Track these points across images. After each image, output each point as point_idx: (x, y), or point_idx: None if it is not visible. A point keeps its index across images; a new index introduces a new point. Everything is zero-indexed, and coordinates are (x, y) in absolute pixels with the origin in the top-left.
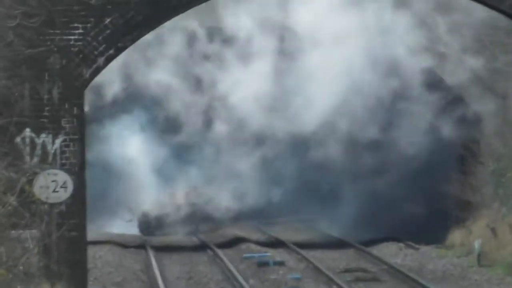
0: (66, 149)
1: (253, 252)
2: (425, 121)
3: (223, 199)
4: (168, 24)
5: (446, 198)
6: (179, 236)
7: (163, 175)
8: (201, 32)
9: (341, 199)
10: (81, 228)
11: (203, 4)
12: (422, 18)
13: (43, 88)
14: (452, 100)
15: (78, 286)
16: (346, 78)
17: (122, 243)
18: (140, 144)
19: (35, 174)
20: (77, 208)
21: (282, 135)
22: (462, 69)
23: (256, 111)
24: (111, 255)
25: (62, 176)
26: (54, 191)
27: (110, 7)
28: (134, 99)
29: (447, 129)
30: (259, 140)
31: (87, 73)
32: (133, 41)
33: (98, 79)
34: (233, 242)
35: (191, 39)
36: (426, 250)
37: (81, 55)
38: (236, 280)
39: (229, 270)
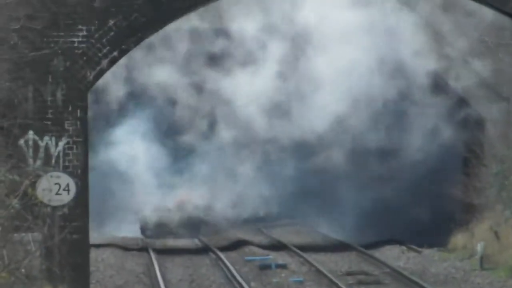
0: (69, 151)
1: (255, 255)
2: (429, 124)
3: (225, 203)
4: (173, 26)
5: (449, 201)
6: (181, 239)
7: (166, 178)
8: (205, 35)
9: (344, 202)
10: (84, 230)
11: (209, 7)
12: (427, 20)
13: (46, 91)
14: (455, 102)
15: None
16: (351, 81)
17: (124, 246)
18: (142, 148)
19: (38, 176)
20: (79, 211)
21: (287, 140)
22: (466, 72)
23: (260, 116)
24: (113, 257)
25: (65, 179)
26: (57, 193)
27: (113, 9)
28: (137, 102)
29: (451, 132)
30: (263, 144)
31: (91, 75)
32: (137, 43)
33: (102, 82)
34: (235, 245)
35: (196, 41)
36: (429, 253)
37: (85, 57)
38: (238, 283)
39: (231, 273)
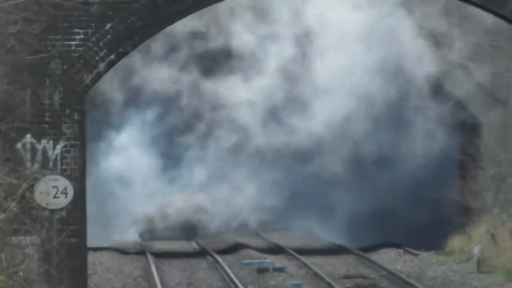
0: (67, 154)
1: (253, 258)
2: (426, 127)
3: (222, 207)
4: (171, 30)
5: (446, 204)
6: (178, 242)
7: (163, 182)
8: (203, 38)
9: (342, 206)
10: (81, 234)
11: (207, 10)
12: (425, 23)
13: (44, 94)
14: (452, 106)
15: None
16: (349, 86)
17: (122, 249)
18: (139, 153)
19: (36, 180)
20: (77, 214)
21: (283, 144)
22: (463, 75)
23: (257, 121)
24: (111, 261)
25: (63, 182)
26: (54, 197)
27: (111, 12)
28: (136, 106)
29: (448, 135)
30: (260, 149)
31: (88, 78)
32: (134, 46)
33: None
34: (233, 248)
35: (193, 45)
36: (426, 256)
37: (82, 61)
38: (236, 286)
39: (229, 276)
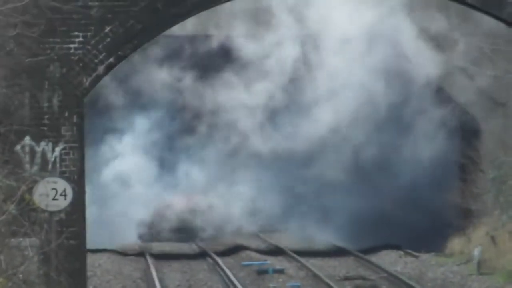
0: (66, 157)
1: (253, 260)
2: (426, 130)
3: (220, 208)
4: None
5: (446, 206)
6: (178, 244)
7: (163, 184)
8: (203, 43)
9: (342, 207)
10: (81, 236)
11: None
12: (425, 25)
13: (43, 97)
14: (452, 108)
15: None
16: (349, 88)
17: (121, 251)
18: (140, 154)
19: (35, 182)
20: (76, 216)
21: (284, 147)
22: (463, 78)
23: (257, 124)
24: (111, 263)
25: (62, 184)
26: (53, 199)
27: (110, 15)
28: (135, 110)
29: (448, 138)
30: (260, 153)
31: (87, 81)
32: (134, 49)
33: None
34: (233, 250)
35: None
36: (426, 258)
37: (81, 64)
38: None
39: (229, 278)
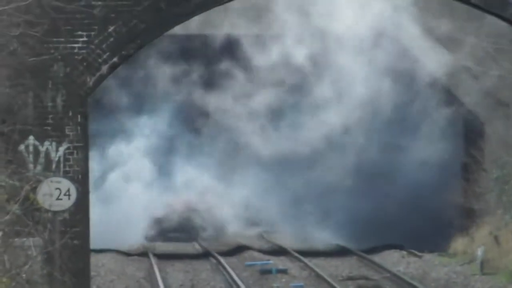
0: (69, 156)
1: (256, 260)
2: (429, 129)
3: (224, 209)
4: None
5: (449, 206)
6: (181, 244)
7: (166, 184)
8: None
9: (345, 208)
10: (84, 236)
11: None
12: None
13: (46, 96)
14: (456, 108)
15: None
16: (353, 88)
17: (125, 251)
18: (143, 156)
19: (39, 181)
20: (80, 216)
21: (287, 149)
22: (467, 78)
23: (259, 127)
24: (114, 263)
25: (66, 184)
26: (57, 198)
27: (113, 15)
28: (136, 113)
29: (451, 137)
30: (262, 154)
31: (90, 81)
32: (137, 49)
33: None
34: (236, 250)
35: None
36: (429, 258)
37: (85, 63)
38: None
39: (232, 278)
